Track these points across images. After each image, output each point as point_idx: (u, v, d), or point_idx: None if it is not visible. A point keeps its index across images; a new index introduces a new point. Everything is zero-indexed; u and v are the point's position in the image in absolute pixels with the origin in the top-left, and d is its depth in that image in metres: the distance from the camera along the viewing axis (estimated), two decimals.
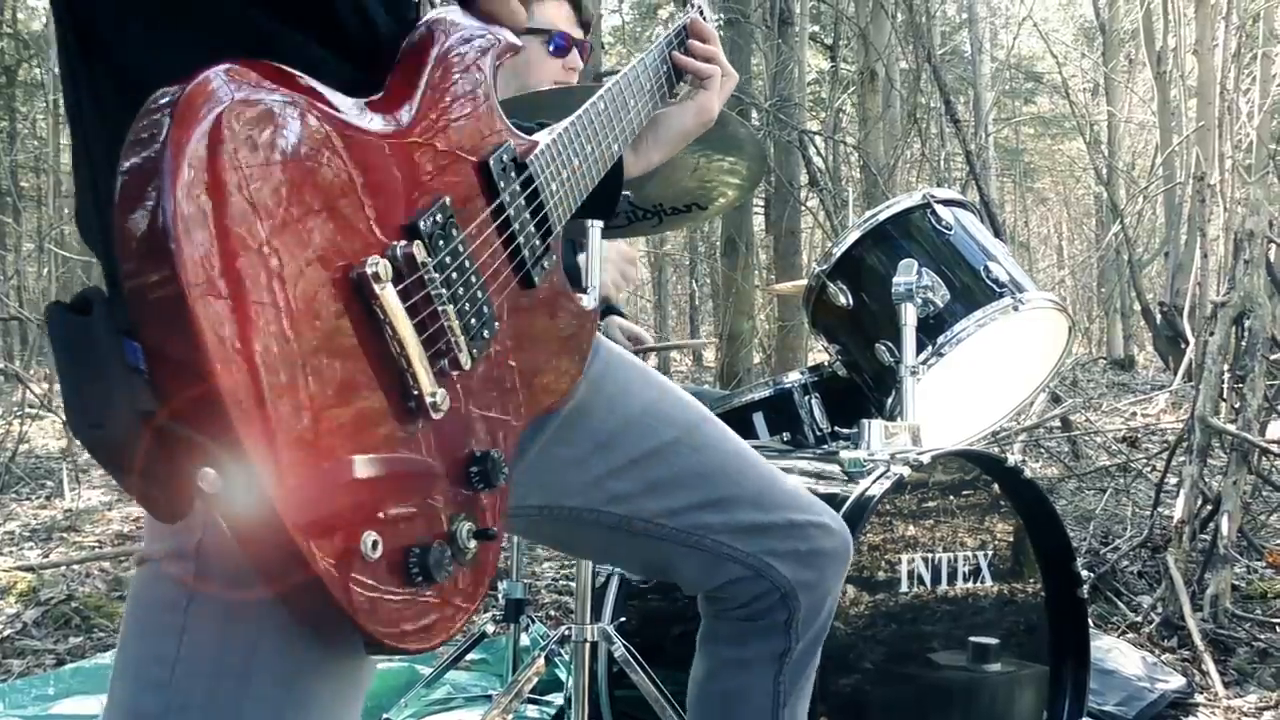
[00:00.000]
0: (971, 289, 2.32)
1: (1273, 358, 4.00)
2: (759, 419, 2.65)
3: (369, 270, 0.95)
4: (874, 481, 1.94)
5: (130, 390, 0.88)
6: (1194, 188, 10.19)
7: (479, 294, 1.10)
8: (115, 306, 0.90)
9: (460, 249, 1.07)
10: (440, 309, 1.03)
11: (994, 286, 2.31)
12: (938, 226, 2.39)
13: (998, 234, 8.36)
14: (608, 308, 3.18)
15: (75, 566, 4.72)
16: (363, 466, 0.93)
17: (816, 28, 9.99)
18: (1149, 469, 6.33)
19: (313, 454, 0.88)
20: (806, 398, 2.60)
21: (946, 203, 2.43)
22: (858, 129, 8.42)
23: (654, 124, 1.66)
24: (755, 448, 2.39)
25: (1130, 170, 18.24)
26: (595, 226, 2.03)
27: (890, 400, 2.32)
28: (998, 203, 18.86)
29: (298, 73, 0.96)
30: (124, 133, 0.86)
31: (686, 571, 1.44)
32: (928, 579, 2.03)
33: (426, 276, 1.01)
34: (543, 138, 1.28)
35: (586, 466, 1.36)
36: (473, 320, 1.08)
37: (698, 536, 1.41)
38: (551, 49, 2.69)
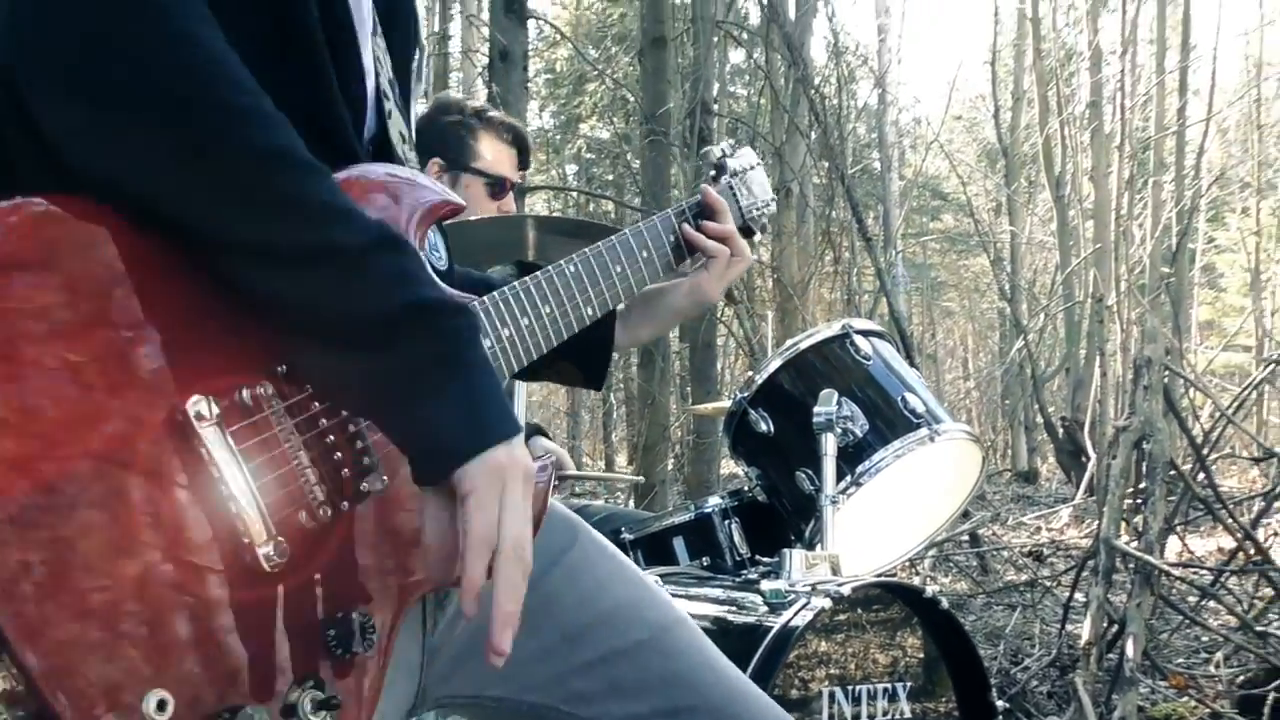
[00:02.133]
0: (890, 419, 2.37)
1: (1170, 475, 4.13)
2: (679, 543, 2.65)
3: (191, 410, 0.89)
4: (795, 613, 1.95)
5: None
6: (1092, 308, 10.57)
7: (356, 441, 1.04)
8: None
9: None
10: (288, 453, 0.96)
11: (911, 417, 2.36)
12: (856, 357, 2.44)
13: (908, 349, 8.56)
14: (532, 428, 3.19)
15: None
16: (145, 621, 0.84)
17: (734, 141, 10.27)
18: (1056, 585, 6.44)
19: (77, 603, 0.80)
20: (726, 522, 2.62)
21: (865, 333, 2.49)
22: (773, 242, 8.61)
23: (646, 298, 1.65)
24: (675, 574, 2.42)
25: (1032, 287, 18.88)
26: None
27: (810, 528, 2.34)
28: (906, 316, 19.34)
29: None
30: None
31: None
32: (847, 710, 2.03)
33: (273, 416, 0.96)
34: (488, 297, 1.26)
35: (552, 660, 1.30)
36: (343, 470, 1.01)
37: None
38: (491, 191, 2.80)
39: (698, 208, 1.71)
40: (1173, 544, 5.43)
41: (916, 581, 2.20)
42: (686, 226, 1.66)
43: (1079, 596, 4.45)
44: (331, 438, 1.01)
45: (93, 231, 0.90)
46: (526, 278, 1.35)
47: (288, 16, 1.11)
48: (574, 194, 13.79)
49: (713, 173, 1.91)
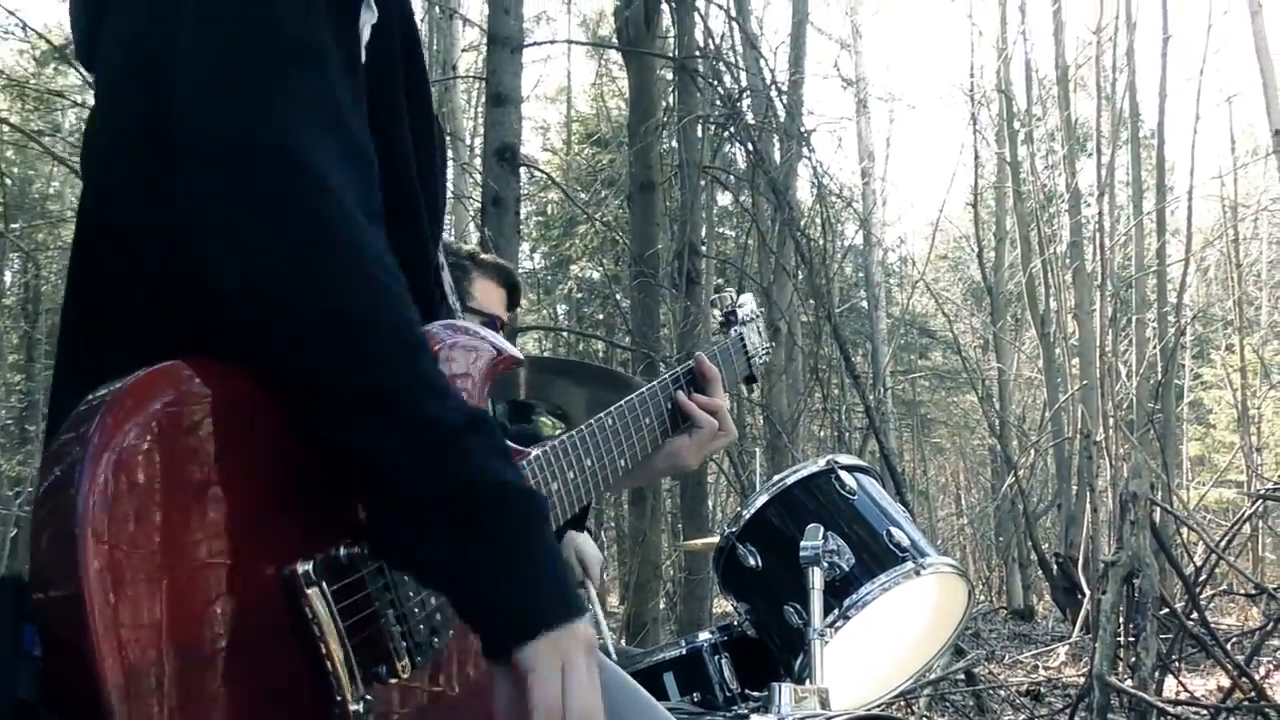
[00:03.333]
0: (875, 553, 2.40)
1: (1162, 614, 4.13)
2: (669, 679, 2.65)
3: (300, 570, 0.95)
4: None
5: (12, 673, 0.88)
6: (1080, 444, 10.63)
7: (430, 599, 1.09)
8: (23, 592, 0.91)
9: None
10: (379, 610, 1.01)
11: (896, 551, 2.39)
12: (842, 491, 2.49)
13: (898, 485, 8.58)
14: (573, 522, 3.21)
15: None
16: None
17: (721, 280, 10.47)
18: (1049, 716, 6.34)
19: None
20: (717, 658, 2.62)
21: (849, 468, 2.54)
22: (762, 380, 8.71)
23: None
24: (667, 709, 2.41)
25: (1021, 424, 18.97)
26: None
27: (799, 662, 2.35)
28: (897, 452, 19.38)
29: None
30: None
31: None
32: None
33: (368, 576, 1.01)
34: (535, 449, 1.31)
35: None
36: (420, 625, 1.07)
37: None
38: None
39: (690, 374, 1.73)
40: (1170, 683, 5.39)
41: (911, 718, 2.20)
42: (681, 394, 1.68)
43: None
44: (412, 594, 1.07)
45: (216, 394, 0.96)
46: (574, 433, 1.40)
47: (399, 176, 1.20)
48: (565, 333, 13.98)
49: (722, 321, 1.95)
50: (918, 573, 2.37)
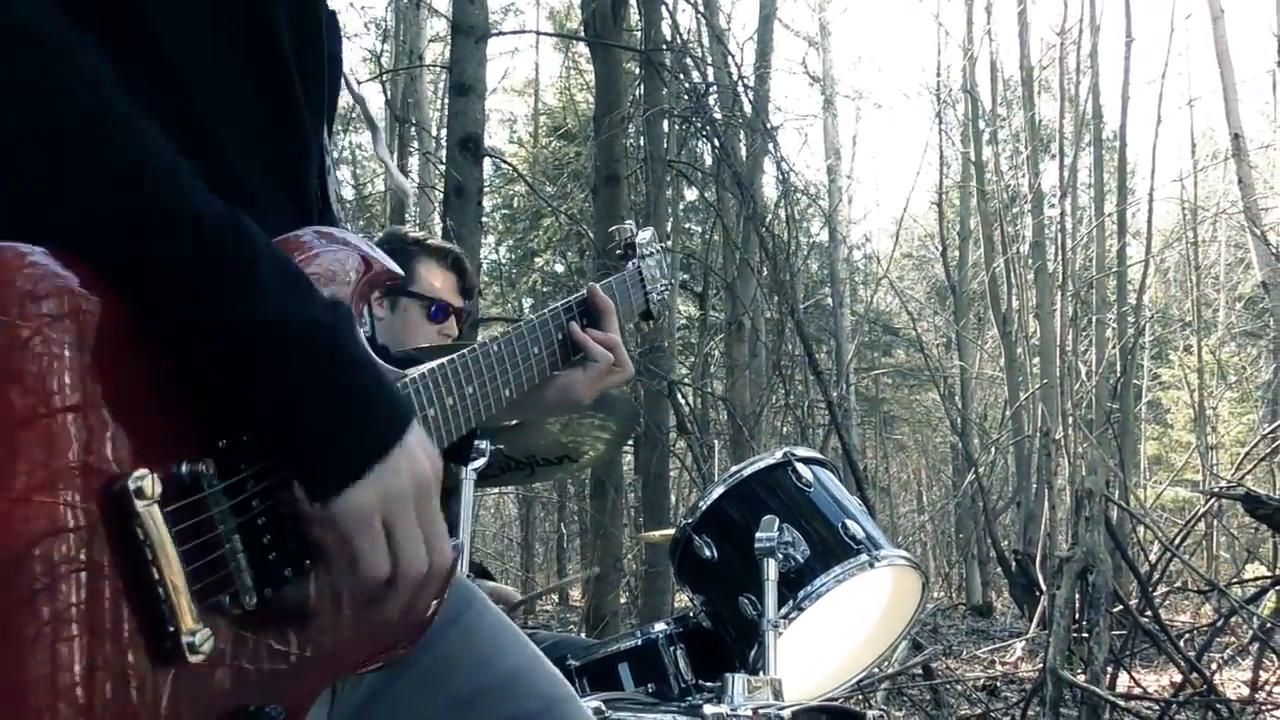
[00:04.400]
0: (830, 545, 2.40)
1: (1115, 610, 4.17)
2: (624, 670, 2.64)
3: (132, 486, 0.85)
4: None
5: None
6: (1040, 442, 10.73)
7: (286, 524, 1.00)
8: None
9: (273, 471, 1.00)
10: (223, 536, 0.93)
11: (851, 543, 2.40)
12: (798, 484, 2.49)
13: (859, 481, 8.61)
14: (477, 568, 3.19)
15: None
16: (66, 704, 0.81)
17: (686, 276, 10.48)
18: (1007, 718, 6.40)
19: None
20: (672, 649, 2.62)
21: (806, 460, 2.55)
22: (725, 375, 8.72)
23: None
24: (620, 699, 2.41)
25: (983, 421, 19.12)
26: (469, 480, 2.07)
27: (753, 653, 2.35)
28: (859, 449, 19.49)
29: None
30: None
31: None
32: None
33: (211, 497, 0.93)
34: (412, 371, 1.24)
35: None
36: (272, 555, 0.98)
37: None
38: (430, 315, 2.82)
39: (584, 305, 1.62)
40: (1123, 678, 5.45)
41: (869, 713, 2.22)
42: (574, 325, 1.59)
43: None
44: (263, 519, 0.98)
45: (61, 284, 0.87)
46: (455, 357, 1.32)
47: (270, 71, 1.15)
48: None
49: (620, 253, 1.86)
50: (872, 565, 2.38)
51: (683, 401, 7.50)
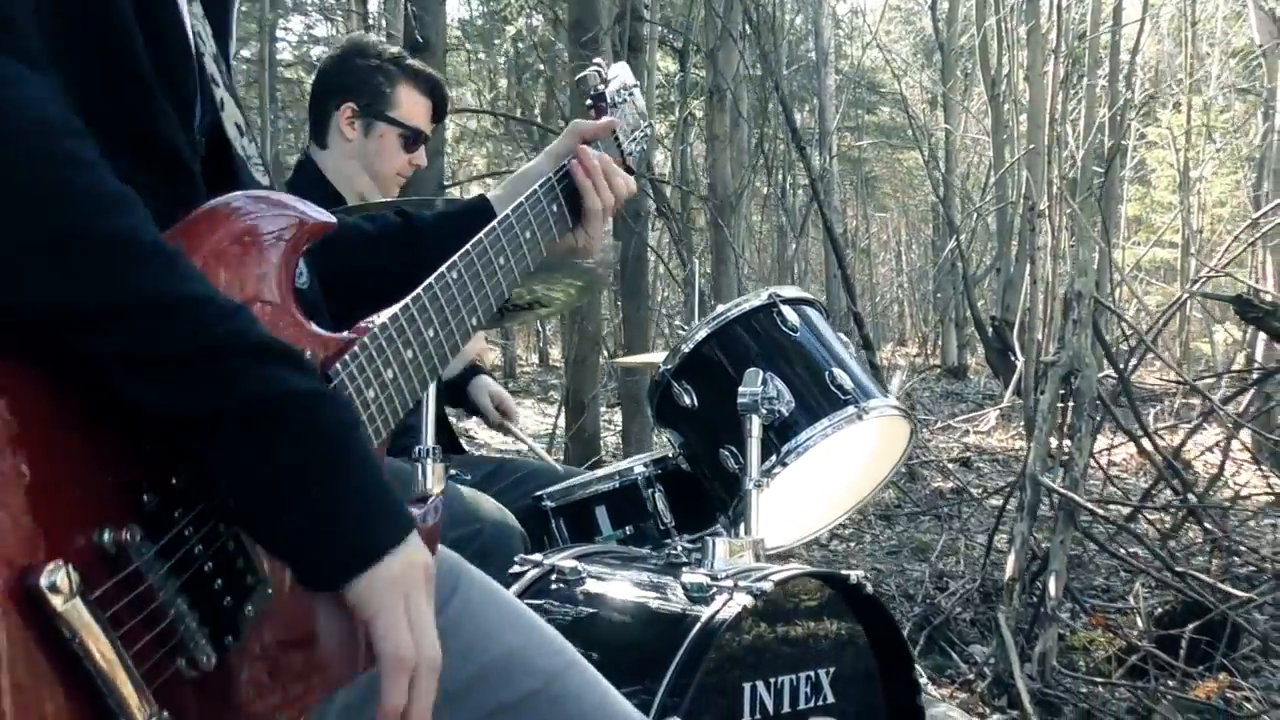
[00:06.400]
0: (817, 396, 2.30)
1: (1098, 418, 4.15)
2: (601, 512, 2.59)
3: (43, 582, 0.74)
4: (717, 610, 1.90)
5: None
6: (1023, 213, 10.59)
7: (238, 559, 0.92)
8: None
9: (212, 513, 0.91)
10: (165, 603, 0.84)
11: (839, 394, 2.30)
12: (783, 328, 2.36)
13: (838, 251, 8.49)
14: (474, 369, 3.11)
15: None
16: None
17: (665, 48, 10.01)
18: (984, 496, 6.53)
19: None
20: (651, 491, 2.57)
21: (792, 301, 2.41)
22: (706, 149, 8.45)
23: None
24: (596, 553, 2.35)
25: (966, 183, 18.88)
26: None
27: (734, 508, 2.29)
28: (840, 210, 19.30)
29: None
30: None
31: None
32: (770, 705, 2.00)
33: (144, 566, 0.82)
34: (368, 338, 1.10)
35: None
36: (226, 600, 0.90)
37: None
38: (405, 144, 2.75)
39: (568, 177, 1.54)
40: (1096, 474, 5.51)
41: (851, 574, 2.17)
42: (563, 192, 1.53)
43: (1003, 529, 4.50)
44: (210, 565, 0.90)
45: None
46: (409, 301, 1.19)
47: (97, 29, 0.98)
48: (498, 117, 13.39)
49: (590, 104, 1.74)
50: (860, 417, 2.29)
51: (662, 185, 7.28)
